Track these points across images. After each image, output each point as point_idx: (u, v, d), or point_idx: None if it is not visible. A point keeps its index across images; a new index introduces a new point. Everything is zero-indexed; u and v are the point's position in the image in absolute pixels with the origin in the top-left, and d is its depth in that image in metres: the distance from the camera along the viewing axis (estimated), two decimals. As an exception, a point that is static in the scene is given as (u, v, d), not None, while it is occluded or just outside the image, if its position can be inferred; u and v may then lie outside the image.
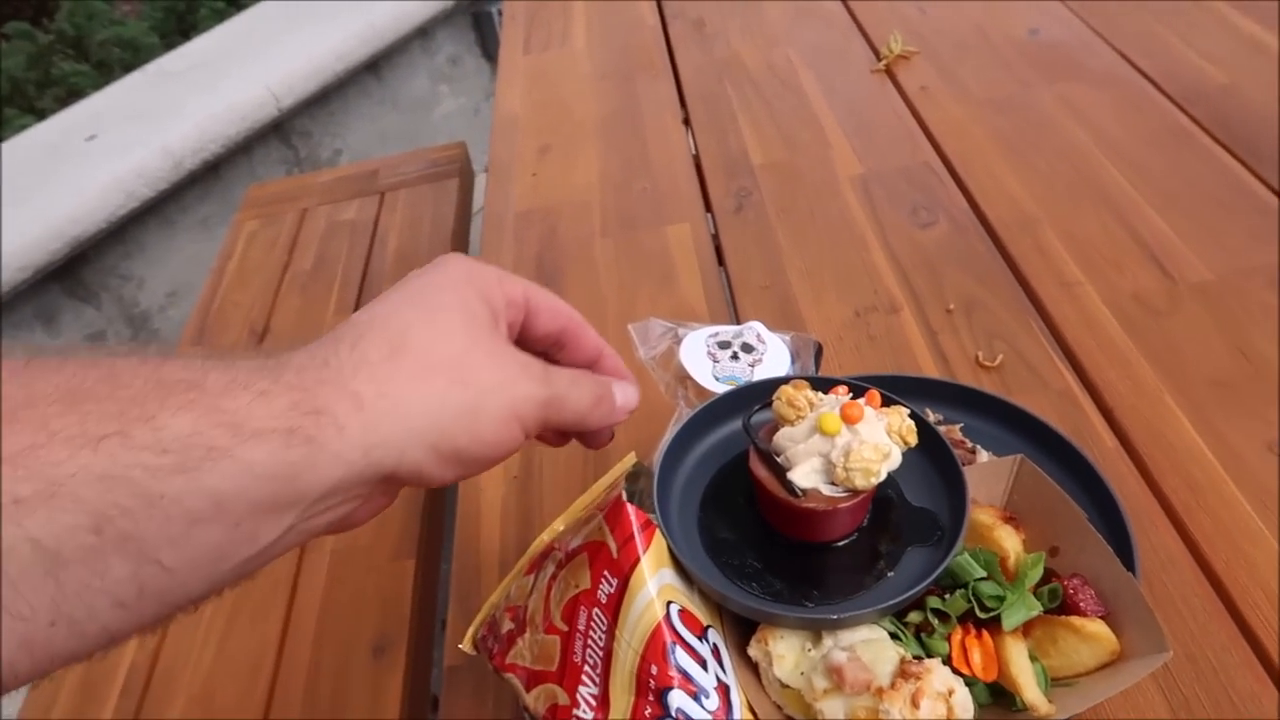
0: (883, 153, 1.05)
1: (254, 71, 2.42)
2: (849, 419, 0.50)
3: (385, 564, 1.09)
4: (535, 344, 0.49)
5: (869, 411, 0.50)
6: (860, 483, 0.49)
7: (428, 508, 1.14)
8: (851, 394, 0.52)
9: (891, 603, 0.48)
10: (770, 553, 0.53)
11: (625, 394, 0.51)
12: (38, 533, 0.29)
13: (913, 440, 0.51)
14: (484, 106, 2.94)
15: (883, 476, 0.49)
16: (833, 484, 0.50)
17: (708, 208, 1.05)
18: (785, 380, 0.54)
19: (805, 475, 0.50)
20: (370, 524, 1.09)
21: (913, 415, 0.52)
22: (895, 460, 0.50)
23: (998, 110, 1.07)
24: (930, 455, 0.55)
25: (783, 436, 0.52)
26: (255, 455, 0.34)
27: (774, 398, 0.53)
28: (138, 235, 2.27)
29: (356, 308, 1.48)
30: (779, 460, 0.52)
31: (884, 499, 0.55)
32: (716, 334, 0.59)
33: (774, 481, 0.51)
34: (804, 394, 0.52)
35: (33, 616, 0.30)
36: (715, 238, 1.00)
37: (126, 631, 0.33)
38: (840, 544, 0.53)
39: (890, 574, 0.51)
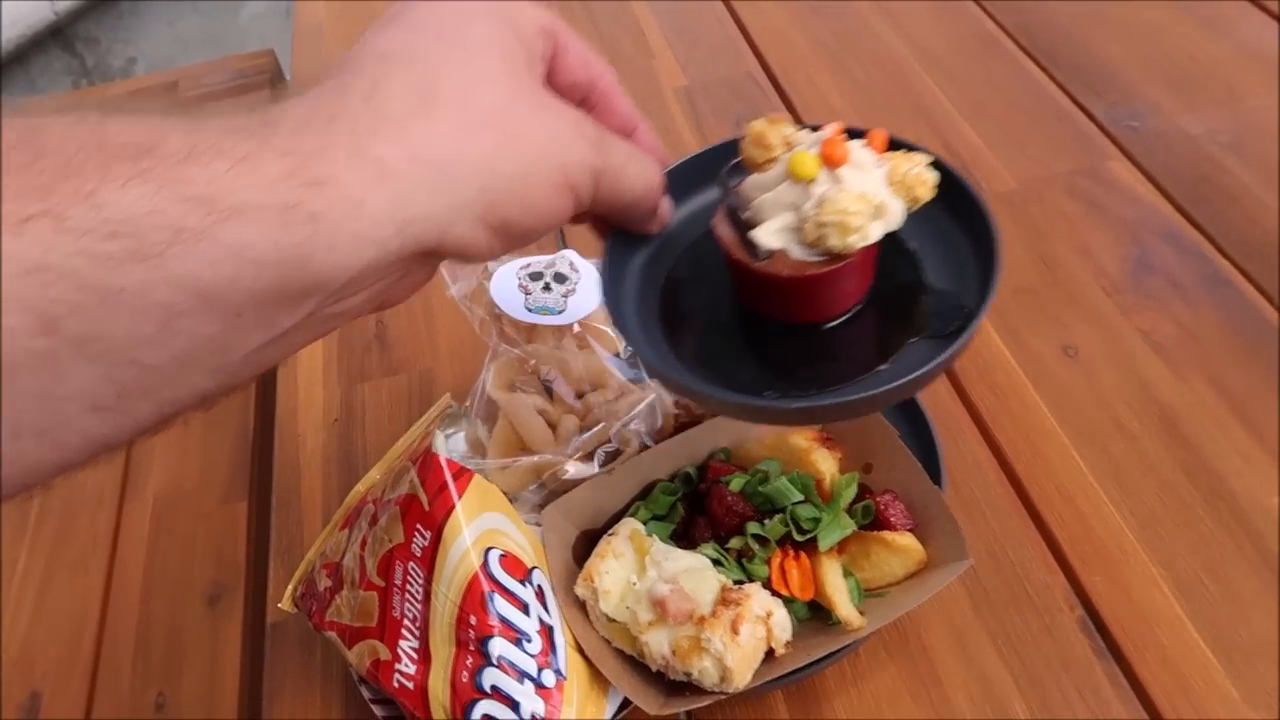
0: (706, 62, 1.03)
1: (21, -32, 2.16)
2: (830, 161, 0.38)
3: (215, 508, 1.04)
4: (559, 95, 0.38)
5: (862, 153, 0.39)
6: (835, 242, 0.38)
7: (258, 445, 1.09)
8: (847, 135, 0.40)
9: (868, 394, 0.38)
10: (745, 335, 0.44)
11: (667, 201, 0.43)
12: None
13: (925, 195, 0.39)
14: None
15: (871, 238, 0.38)
16: (806, 245, 0.39)
17: (530, 123, 1.01)
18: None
19: (771, 233, 0.40)
20: (197, 465, 1.01)
21: (936, 163, 0.40)
22: (894, 219, 0.39)
23: (817, 15, 1.06)
24: (960, 222, 0.43)
25: (751, 184, 0.41)
26: (244, 237, 0.27)
27: (743, 135, 0.41)
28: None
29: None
30: (744, 217, 0.41)
31: (892, 275, 0.43)
32: (528, 265, 0.57)
33: (735, 242, 0.41)
34: (781, 129, 0.40)
35: None
36: (539, 155, 0.96)
37: (119, 436, 0.28)
38: (831, 325, 0.42)
39: (883, 367, 0.40)
